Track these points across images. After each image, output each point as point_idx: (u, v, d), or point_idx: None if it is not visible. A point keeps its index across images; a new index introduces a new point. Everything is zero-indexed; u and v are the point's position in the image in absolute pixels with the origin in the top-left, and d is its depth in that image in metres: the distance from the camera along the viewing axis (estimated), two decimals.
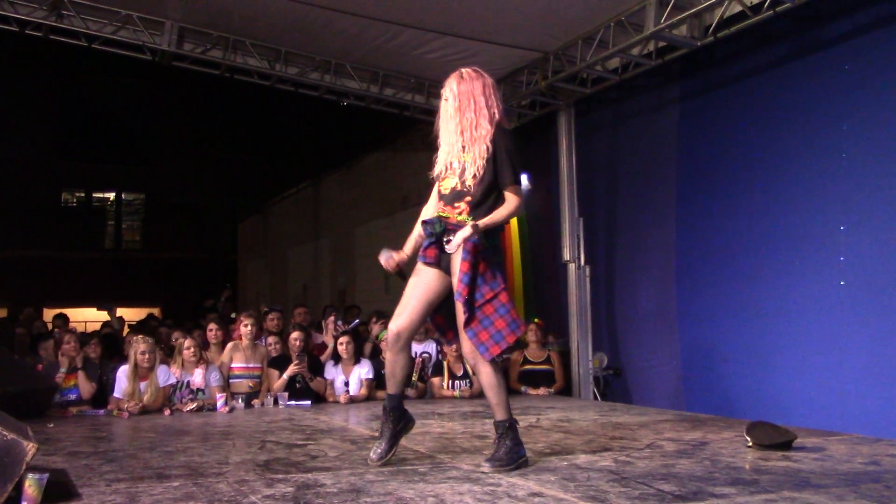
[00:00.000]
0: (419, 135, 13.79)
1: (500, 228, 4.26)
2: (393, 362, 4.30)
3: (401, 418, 4.44)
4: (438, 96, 9.91)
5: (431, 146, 12.82)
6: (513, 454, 4.17)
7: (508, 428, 4.22)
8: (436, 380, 8.28)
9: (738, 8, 6.97)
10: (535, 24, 8.26)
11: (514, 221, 10.87)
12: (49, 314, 18.36)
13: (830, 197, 6.70)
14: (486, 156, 4.18)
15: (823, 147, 6.80)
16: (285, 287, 20.53)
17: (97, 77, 24.45)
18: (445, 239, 4.14)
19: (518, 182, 4.21)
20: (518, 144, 4.29)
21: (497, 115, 4.27)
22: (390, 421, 4.38)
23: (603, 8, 7.74)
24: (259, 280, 23.04)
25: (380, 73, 9.71)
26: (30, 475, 3.32)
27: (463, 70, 4.34)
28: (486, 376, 4.20)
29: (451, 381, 8.26)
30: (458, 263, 4.11)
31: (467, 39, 8.69)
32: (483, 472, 4.04)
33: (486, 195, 4.18)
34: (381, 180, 15.89)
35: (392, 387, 4.39)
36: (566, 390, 8.82)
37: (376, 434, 5.48)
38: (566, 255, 9.28)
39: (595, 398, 8.83)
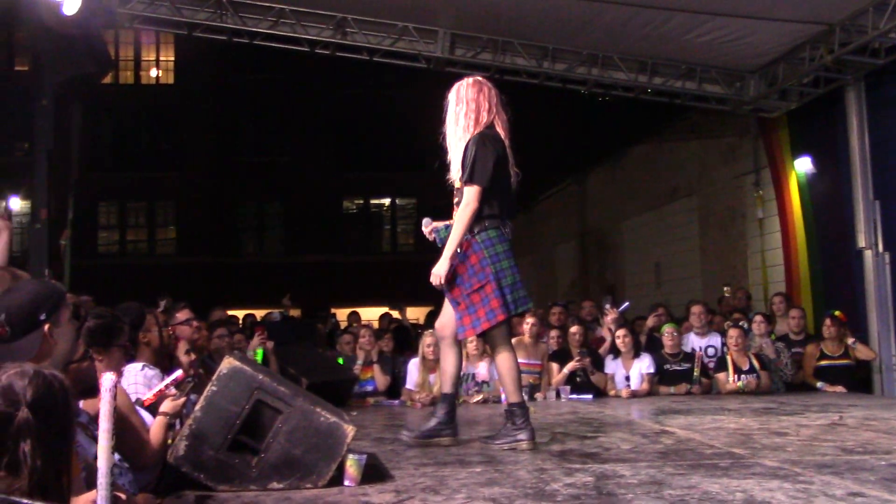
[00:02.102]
0: (687, 123, 13.38)
1: (493, 223, 4.58)
2: (441, 359, 4.80)
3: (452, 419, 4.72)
4: (712, 81, 9.66)
5: (701, 135, 12.41)
6: (512, 433, 4.57)
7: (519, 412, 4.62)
8: (721, 375, 7.96)
9: None
10: None
11: (797, 206, 10.23)
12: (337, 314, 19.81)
13: None
14: (461, 159, 4.58)
15: None
16: (554, 284, 20.68)
17: (370, 91, 26.05)
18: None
19: (469, 182, 4.50)
20: (489, 149, 4.53)
21: (484, 120, 4.63)
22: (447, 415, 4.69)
23: None
24: (526, 277, 23.35)
25: (648, 61, 9.51)
26: (350, 455, 3.57)
27: (466, 79, 4.76)
28: (496, 359, 4.75)
29: (735, 375, 7.89)
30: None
31: (742, 18, 8.30)
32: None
33: None
34: (647, 173, 15.57)
35: (445, 384, 4.77)
36: (866, 387, 8.14)
37: (657, 427, 5.41)
38: (861, 242, 8.59)
39: None
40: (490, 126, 4.67)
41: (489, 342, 4.77)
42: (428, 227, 4.88)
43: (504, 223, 4.66)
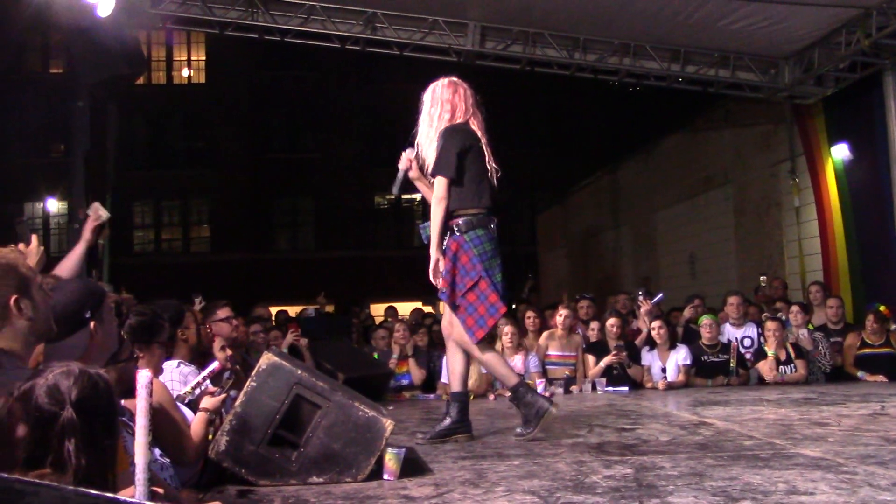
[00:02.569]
0: (721, 112, 13.24)
1: (480, 220, 4.62)
2: (448, 359, 4.82)
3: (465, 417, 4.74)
4: (745, 69, 9.55)
5: (735, 123, 12.31)
6: (531, 411, 4.54)
7: (523, 390, 4.64)
8: (761, 364, 7.86)
9: None
10: None
11: (834, 194, 10.08)
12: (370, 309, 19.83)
13: None
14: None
15: None
16: (586, 276, 20.58)
17: (397, 86, 26.10)
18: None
19: (436, 174, 4.58)
20: (454, 140, 4.58)
21: (459, 121, 4.68)
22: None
23: None
24: (559, 270, 23.30)
25: (681, 50, 9.43)
26: (389, 449, 3.59)
27: (441, 80, 4.82)
28: (478, 359, 4.79)
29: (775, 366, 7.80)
30: (442, 261, 4.62)
31: (775, 4, 8.19)
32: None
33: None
34: (681, 162, 15.43)
35: (454, 383, 4.77)
36: None
37: (695, 419, 5.38)
38: None
39: None
40: (465, 124, 4.71)
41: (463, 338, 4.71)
42: (411, 154, 4.83)
43: (489, 219, 4.69)
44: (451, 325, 4.75)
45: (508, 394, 7.26)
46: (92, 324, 2.65)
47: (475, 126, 4.75)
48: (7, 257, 2.36)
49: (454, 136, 4.64)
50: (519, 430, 4.68)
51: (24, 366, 2.26)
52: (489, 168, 4.75)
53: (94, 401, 1.91)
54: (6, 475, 1.24)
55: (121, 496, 1.27)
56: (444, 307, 4.84)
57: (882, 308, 8.13)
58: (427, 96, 4.81)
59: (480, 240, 4.61)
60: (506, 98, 25.24)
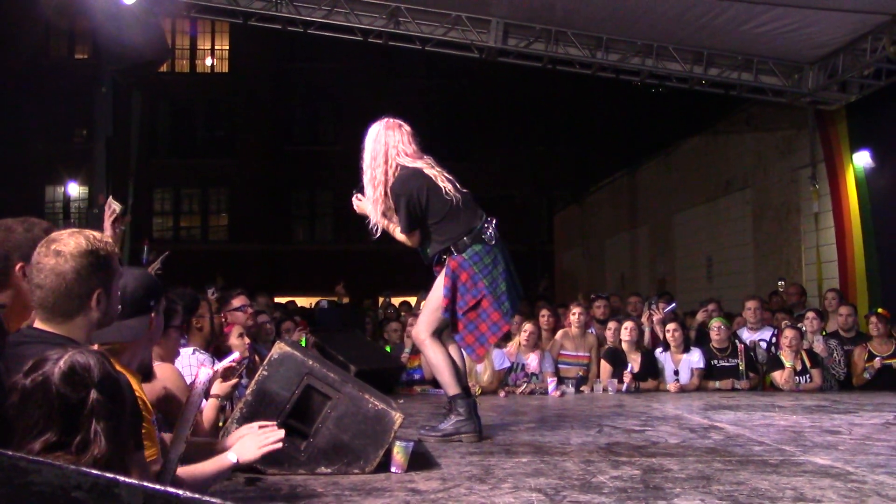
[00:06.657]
0: (743, 115, 13.17)
1: (474, 236, 4.60)
2: (433, 367, 4.75)
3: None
4: (768, 73, 9.48)
5: (757, 127, 12.21)
6: (457, 426, 4.53)
7: (463, 402, 4.57)
8: (776, 374, 7.80)
9: None
10: None
11: (853, 201, 10.02)
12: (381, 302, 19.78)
13: None
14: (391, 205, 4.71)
15: None
16: (603, 277, 20.54)
17: (420, 81, 26.10)
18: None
19: (406, 232, 4.69)
20: (407, 192, 4.59)
21: (401, 164, 4.64)
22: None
23: None
24: (576, 270, 23.26)
25: (704, 52, 9.39)
26: (398, 442, 3.60)
27: (378, 123, 4.77)
28: (429, 359, 4.73)
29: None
30: (440, 278, 4.64)
31: (802, 9, 8.14)
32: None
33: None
34: (701, 165, 15.37)
35: (449, 388, 4.68)
36: None
37: (705, 422, 5.36)
38: None
39: None
40: (413, 170, 4.67)
41: (431, 337, 4.67)
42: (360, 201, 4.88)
43: (482, 231, 4.64)
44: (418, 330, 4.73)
45: (523, 388, 7.36)
46: (153, 314, 2.69)
47: (423, 163, 4.70)
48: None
49: (404, 187, 4.62)
50: (432, 424, 4.69)
51: None
52: (454, 196, 4.65)
53: (112, 380, 1.90)
54: (11, 453, 1.26)
55: (121, 477, 1.28)
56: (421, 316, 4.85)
57: (880, 310, 8.06)
58: (368, 141, 4.75)
59: (479, 255, 4.59)
60: (526, 96, 25.24)
